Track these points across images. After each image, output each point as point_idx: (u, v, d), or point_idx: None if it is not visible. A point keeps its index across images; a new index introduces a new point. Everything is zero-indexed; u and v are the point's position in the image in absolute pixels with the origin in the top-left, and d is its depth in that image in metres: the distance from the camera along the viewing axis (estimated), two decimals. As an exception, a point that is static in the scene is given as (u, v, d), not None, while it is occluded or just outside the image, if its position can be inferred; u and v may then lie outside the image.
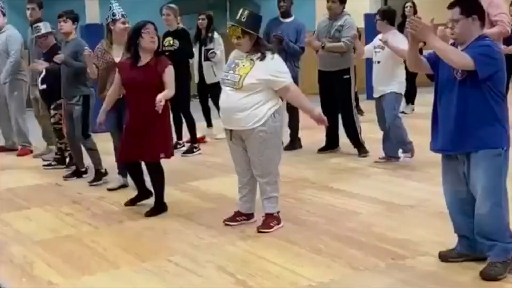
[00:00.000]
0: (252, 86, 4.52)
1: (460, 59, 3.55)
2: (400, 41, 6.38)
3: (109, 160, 6.37)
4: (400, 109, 6.96)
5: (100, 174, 6.38)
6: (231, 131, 4.71)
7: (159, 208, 5.24)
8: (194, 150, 7.77)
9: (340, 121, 7.39)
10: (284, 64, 4.70)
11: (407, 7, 9.97)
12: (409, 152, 6.66)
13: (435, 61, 3.79)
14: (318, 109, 4.76)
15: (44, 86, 6.80)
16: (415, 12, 9.89)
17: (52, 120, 6.86)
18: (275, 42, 7.06)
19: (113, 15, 5.87)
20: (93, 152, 6.41)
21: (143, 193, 5.47)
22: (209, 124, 8.83)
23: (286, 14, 7.57)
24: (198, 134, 8.25)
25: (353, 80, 7.27)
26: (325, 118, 4.77)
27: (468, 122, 3.63)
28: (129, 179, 5.86)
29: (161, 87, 5.03)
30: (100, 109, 5.52)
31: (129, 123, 5.20)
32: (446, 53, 3.58)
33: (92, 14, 9.51)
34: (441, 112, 3.74)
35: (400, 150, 6.74)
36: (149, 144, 5.06)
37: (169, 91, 5.06)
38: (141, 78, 5.06)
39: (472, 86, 3.59)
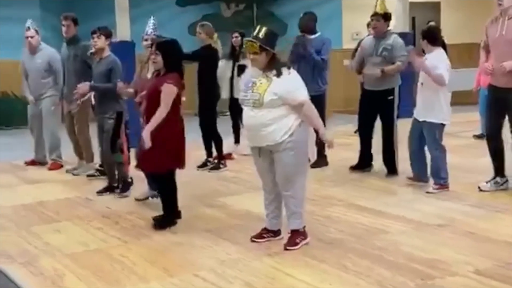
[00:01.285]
0: (272, 102, 4.56)
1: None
2: (440, 61, 6.23)
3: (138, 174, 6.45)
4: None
5: (127, 184, 6.48)
6: (259, 148, 4.73)
7: (165, 221, 5.29)
8: (221, 166, 7.82)
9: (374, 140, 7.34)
10: (300, 80, 4.71)
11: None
12: (440, 185, 6.34)
13: None
14: (329, 133, 4.78)
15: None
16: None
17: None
18: (299, 46, 7.06)
19: (145, 32, 6.01)
20: (121, 165, 6.50)
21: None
22: (237, 141, 8.89)
23: (308, 30, 7.59)
24: (226, 151, 8.32)
25: (397, 101, 7.13)
26: (332, 143, 4.79)
27: None
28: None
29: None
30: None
31: (142, 133, 5.35)
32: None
33: (123, 31, 9.63)
34: None
35: (431, 180, 6.49)
36: (153, 154, 5.16)
37: (159, 110, 5.13)
38: (148, 90, 5.31)
39: None
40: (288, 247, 4.70)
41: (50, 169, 8.02)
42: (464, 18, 13.53)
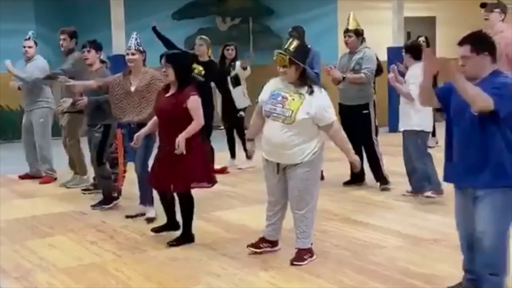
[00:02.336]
0: (303, 121, 4.50)
1: (484, 103, 3.51)
2: (415, 77, 6.28)
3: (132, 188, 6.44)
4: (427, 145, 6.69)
5: (111, 198, 6.48)
6: (277, 164, 4.68)
7: (185, 238, 5.25)
8: None
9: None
10: (329, 100, 4.67)
11: (419, 41, 9.99)
12: (435, 190, 6.43)
13: (446, 95, 3.77)
14: (355, 155, 4.75)
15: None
16: (428, 46, 9.93)
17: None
18: None
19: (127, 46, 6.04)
20: (106, 180, 6.48)
21: (171, 224, 5.47)
22: (233, 155, 8.88)
23: None
24: (221, 165, 8.31)
25: (373, 114, 7.21)
26: (359, 163, 4.76)
27: (483, 158, 3.61)
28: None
29: (186, 117, 5.08)
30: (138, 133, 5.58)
31: (160, 151, 5.26)
32: (468, 94, 3.53)
33: (119, 45, 9.64)
34: (457, 146, 3.72)
35: (427, 187, 6.54)
36: (179, 173, 5.07)
37: (195, 123, 5.07)
38: (167, 107, 5.14)
39: (490, 122, 3.57)
40: (294, 263, 4.67)
41: (41, 182, 7.98)
42: (459, 33, 13.55)
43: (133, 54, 5.94)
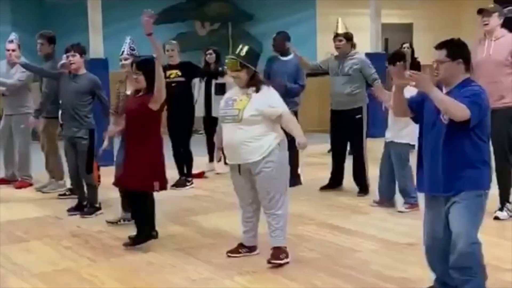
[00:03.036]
0: (252, 118, 4.61)
1: (460, 113, 3.57)
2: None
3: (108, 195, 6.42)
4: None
5: (95, 209, 6.44)
6: (239, 165, 4.75)
7: (141, 239, 5.24)
8: (187, 184, 7.80)
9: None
10: (278, 95, 4.78)
11: (404, 48, 10.11)
12: (410, 205, 6.41)
13: (418, 104, 3.84)
14: (305, 139, 4.75)
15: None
16: (412, 52, 10.04)
17: None
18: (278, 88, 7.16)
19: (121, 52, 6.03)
20: (93, 188, 6.46)
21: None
22: (212, 159, 8.89)
23: (283, 50, 7.64)
24: (199, 169, 8.32)
25: (365, 120, 7.24)
26: (304, 146, 4.72)
27: (456, 165, 3.67)
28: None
29: (150, 117, 5.16)
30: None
31: (125, 151, 5.34)
32: (446, 105, 3.59)
33: (96, 49, 9.60)
34: (427, 154, 3.78)
35: (401, 200, 6.55)
36: (142, 172, 5.13)
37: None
38: (132, 106, 5.27)
39: (459, 129, 3.62)
40: (271, 261, 4.71)
41: (17, 187, 7.91)
42: (435, 39, 13.72)
43: (125, 59, 5.93)
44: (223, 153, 5.01)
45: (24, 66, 6.69)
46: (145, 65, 5.26)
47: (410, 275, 4.52)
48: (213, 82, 8.64)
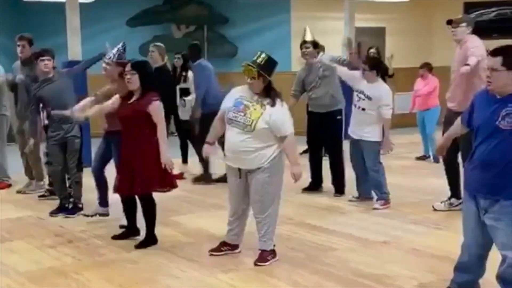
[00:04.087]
0: (263, 130, 4.71)
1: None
2: (384, 91, 6.66)
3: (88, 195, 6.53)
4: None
5: (78, 209, 6.52)
6: (239, 169, 4.86)
7: (149, 241, 5.38)
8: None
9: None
10: (289, 114, 4.88)
11: (371, 53, 10.31)
12: (383, 200, 6.71)
13: (469, 119, 3.83)
14: (300, 167, 4.92)
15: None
16: (379, 56, 10.27)
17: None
18: None
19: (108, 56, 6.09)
20: (79, 186, 6.54)
21: (132, 230, 5.59)
22: (185, 161, 9.00)
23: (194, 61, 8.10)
24: (177, 171, 8.41)
25: (343, 121, 7.43)
26: (299, 177, 4.91)
27: (508, 171, 3.55)
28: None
29: (147, 122, 5.20)
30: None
31: (122, 157, 5.37)
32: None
33: (74, 51, 9.63)
34: (480, 158, 3.66)
35: (375, 197, 6.84)
36: (141, 176, 5.20)
37: (160, 128, 5.19)
38: (130, 114, 5.25)
39: None
40: (258, 263, 4.86)
41: (-4, 188, 7.94)
42: (407, 43, 14.05)
43: (108, 64, 5.97)
44: (223, 149, 5.07)
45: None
46: (140, 66, 5.32)
47: (387, 272, 4.69)
48: (177, 87, 8.75)
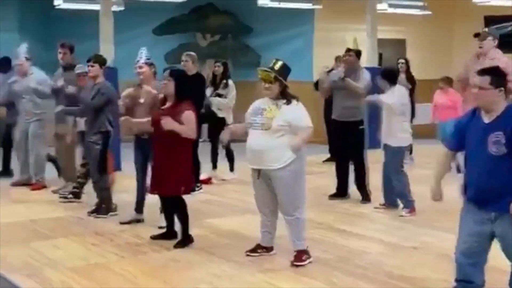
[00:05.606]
0: (279, 128, 4.97)
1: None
2: (392, 96, 6.87)
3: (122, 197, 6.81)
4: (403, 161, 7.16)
5: (108, 210, 6.76)
6: (259, 170, 5.10)
7: (186, 240, 5.61)
8: (196, 189, 8.12)
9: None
10: (305, 110, 5.16)
11: (399, 63, 10.51)
12: (408, 208, 6.89)
13: (457, 143, 4.07)
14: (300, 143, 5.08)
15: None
16: (407, 68, 10.48)
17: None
18: None
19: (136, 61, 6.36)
20: (105, 191, 6.78)
21: (169, 233, 5.83)
22: (215, 167, 9.22)
23: None
24: (206, 176, 8.66)
25: (367, 130, 7.64)
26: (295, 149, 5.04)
27: (501, 188, 3.79)
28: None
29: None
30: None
31: (154, 159, 5.64)
32: None
33: (107, 57, 9.85)
34: (476, 185, 3.92)
35: (401, 205, 7.02)
36: (170, 178, 5.47)
37: (186, 128, 5.42)
38: (159, 119, 5.49)
39: (505, 159, 3.75)
40: (294, 263, 5.07)
41: (33, 189, 8.19)
42: (427, 55, 14.25)
43: (140, 67, 6.25)
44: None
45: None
46: (177, 74, 5.59)
47: (420, 275, 4.90)
48: (215, 92, 8.98)
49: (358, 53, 7.68)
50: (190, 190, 5.69)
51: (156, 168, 5.59)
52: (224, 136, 5.61)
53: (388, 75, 7.09)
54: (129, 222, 6.40)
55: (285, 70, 5.10)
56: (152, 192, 5.73)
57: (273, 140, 4.97)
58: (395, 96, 6.90)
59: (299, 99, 5.17)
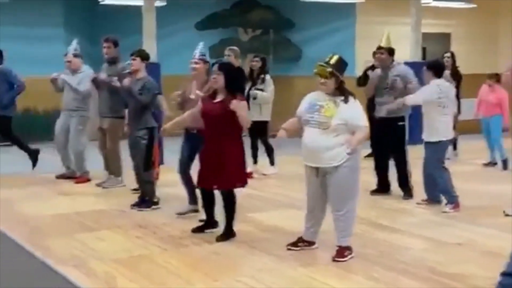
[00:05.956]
0: (338, 127, 4.93)
1: None
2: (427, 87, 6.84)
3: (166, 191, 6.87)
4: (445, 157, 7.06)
5: (151, 203, 6.84)
6: (317, 168, 5.07)
7: (229, 234, 5.64)
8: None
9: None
10: (362, 108, 5.12)
11: (444, 57, 10.35)
12: (452, 204, 6.81)
13: None
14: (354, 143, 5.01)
15: None
16: (453, 62, 10.31)
17: None
18: None
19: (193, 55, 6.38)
20: (150, 185, 6.86)
21: (210, 223, 5.87)
22: (256, 161, 9.25)
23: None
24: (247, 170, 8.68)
25: (407, 126, 7.55)
26: (349, 145, 4.95)
27: None
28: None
29: (232, 121, 5.47)
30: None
31: (205, 153, 5.65)
32: None
33: (150, 52, 9.93)
34: None
35: (444, 200, 6.94)
36: (224, 172, 5.48)
37: (243, 112, 5.45)
38: (214, 111, 5.54)
39: None
40: (336, 259, 5.06)
41: (77, 182, 8.36)
42: (473, 49, 14.01)
43: (196, 63, 6.27)
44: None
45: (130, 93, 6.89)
46: (227, 67, 5.61)
47: (464, 271, 4.82)
48: (254, 88, 8.99)
49: (390, 51, 7.55)
50: (244, 183, 5.68)
51: (208, 162, 5.59)
52: (281, 134, 5.38)
53: (434, 66, 6.99)
54: (185, 213, 6.47)
55: (341, 65, 5.05)
56: (203, 186, 5.74)
57: (330, 139, 4.94)
58: (432, 91, 6.80)
59: (355, 95, 5.11)
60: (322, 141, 4.96)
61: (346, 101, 5.00)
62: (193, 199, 6.48)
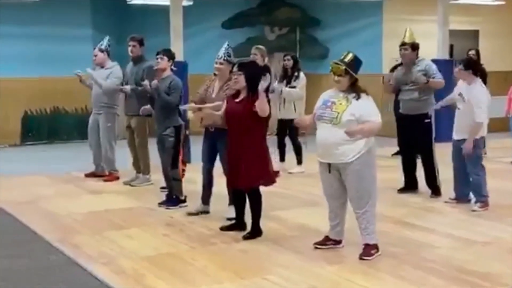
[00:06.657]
0: (349, 123, 4.95)
1: None
2: (478, 92, 6.67)
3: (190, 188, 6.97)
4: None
5: (179, 201, 6.89)
6: (329, 164, 5.11)
7: (256, 232, 5.68)
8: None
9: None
10: (374, 104, 5.12)
11: (469, 54, 10.25)
12: (482, 202, 6.74)
13: None
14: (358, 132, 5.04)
15: None
16: (478, 59, 10.20)
17: None
18: None
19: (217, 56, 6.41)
20: (177, 182, 6.92)
21: (239, 224, 5.91)
22: (282, 159, 9.27)
23: None
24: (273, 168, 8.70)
25: (433, 124, 7.51)
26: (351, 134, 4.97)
27: None
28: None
29: (255, 120, 5.51)
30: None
31: (229, 153, 5.70)
32: None
33: (177, 52, 10.01)
34: None
35: (473, 199, 6.88)
36: (245, 171, 5.52)
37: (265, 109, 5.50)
38: (238, 111, 5.58)
39: None
40: (363, 257, 5.06)
41: (106, 180, 8.46)
42: (501, 46, 13.84)
43: (221, 63, 6.31)
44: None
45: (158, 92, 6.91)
46: (247, 67, 5.64)
47: (492, 270, 4.80)
48: (288, 86, 9.00)
49: (413, 46, 7.49)
50: (269, 182, 5.70)
51: (232, 162, 5.63)
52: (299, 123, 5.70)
53: (471, 65, 6.89)
54: (196, 214, 6.52)
55: (355, 63, 5.08)
56: (231, 186, 5.80)
57: (342, 134, 4.95)
58: (483, 93, 6.72)
59: (368, 93, 5.12)
60: (332, 137, 5.00)
61: (357, 97, 5.02)
62: (206, 200, 6.53)
